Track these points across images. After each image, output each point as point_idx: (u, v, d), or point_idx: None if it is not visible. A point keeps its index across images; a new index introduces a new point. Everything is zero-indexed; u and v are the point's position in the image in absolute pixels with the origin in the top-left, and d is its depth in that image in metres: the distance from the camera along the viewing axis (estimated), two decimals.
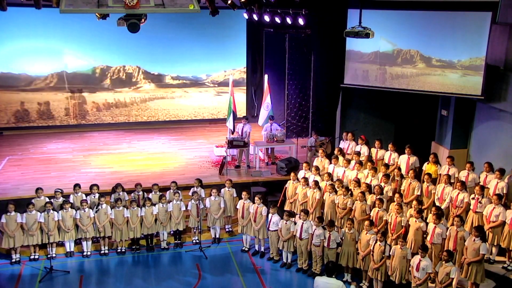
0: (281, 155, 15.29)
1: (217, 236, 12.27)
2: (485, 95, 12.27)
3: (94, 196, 11.63)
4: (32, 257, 11.37)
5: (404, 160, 12.23)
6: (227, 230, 12.57)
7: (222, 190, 12.21)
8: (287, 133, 16.02)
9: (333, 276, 7.91)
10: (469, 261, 9.30)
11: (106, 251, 11.67)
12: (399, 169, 12.09)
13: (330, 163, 12.69)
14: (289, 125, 16.51)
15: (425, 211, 11.02)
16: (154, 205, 11.59)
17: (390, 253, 9.62)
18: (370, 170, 11.81)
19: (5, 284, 10.55)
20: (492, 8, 11.69)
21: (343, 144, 13.63)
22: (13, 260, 11.24)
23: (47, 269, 10.83)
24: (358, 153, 12.66)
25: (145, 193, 12.02)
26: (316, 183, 11.62)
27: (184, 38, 18.09)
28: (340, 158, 12.66)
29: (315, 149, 14.05)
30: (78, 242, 11.60)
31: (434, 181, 11.52)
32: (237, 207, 11.78)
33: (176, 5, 8.96)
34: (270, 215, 11.20)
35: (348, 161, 12.43)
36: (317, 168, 12.29)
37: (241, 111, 18.16)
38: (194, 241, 12.15)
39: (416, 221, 10.11)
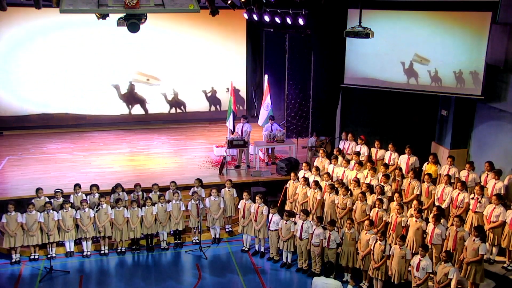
0: (281, 155, 15.30)
1: (217, 236, 12.27)
2: (485, 95, 12.27)
3: (94, 196, 11.64)
4: (32, 257, 11.37)
5: (404, 160, 12.24)
6: (227, 230, 12.57)
7: (222, 190, 12.22)
8: (287, 133, 16.02)
9: (332, 276, 7.90)
10: (468, 261, 9.31)
11: (106, 251, 11.67)
12: (400, 169, 12.09)
13: (330, 163, 12.70)
14: (289, 125, 16.51)
15: (425, 211, 11.02)
16: (154, 204, 11.60)
17: (390, 253, 9.62)
18: (369, 170, 11.81)
19: (5, 284, 10.55)
20: (492, 8, 11.70)
21: (343, 144, 13.64)
22: (13, 260, 11.24)
23: (47, 269, 10.84)
24: (358, 153, 12.66)
25: (144, 193, 12.02)
26: (317, 183, 11.63)
27: (184, 38, 18.10)
28: (340, 158, 12.67)
29: (315, 149, 14.06)
30: (78, 242, 11.61)
31: (434, 181, 11.53)
32: (238, 207, 11.79)
33: (176, 5, 8.96)
34: (270, 215, 11.20)
35: (348, 161, 12.43)
36: (317, 169, 12.29)
37: (241, 111, 18.19)
38: (194, 241, 12.15)
39: (416, 221, 10.11)
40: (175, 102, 18.67)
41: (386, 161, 12.55)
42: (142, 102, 18.41)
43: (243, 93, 19.05)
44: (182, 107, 18.77)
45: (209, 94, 18.93)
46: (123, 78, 18.02)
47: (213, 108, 19.07)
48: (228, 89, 18.62)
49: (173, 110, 18.74)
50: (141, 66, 18.04)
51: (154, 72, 18.22)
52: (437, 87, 12.98)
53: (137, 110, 18.45)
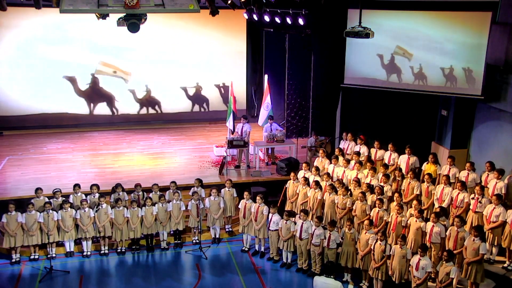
0: (281, 155, 15.30)
1: (217, 236, 12.27)
2: (485, 95, 12.27)
3: (94, 196, 11.64)
4: (32, 257, 11.37)
5: (404, 160, 12.23)
6: (227, 230, 12.57)
7: (222, 190, 12.22)
8: (287, 133, 16.02)
9: (332, 276, 7.89)
10: (468, 261, 9.31)
11: (106, 251, 11.67)
12: (400, 169, 12.08)
13: (330, 163, 12.70)
14: (289, 125, 16.50)
15: (425, 211, 11.02)
16: (154, 204, 11.60)
17: (390, 253, 9.62)
18: (369, 170, 11.81)
19: (5, 284, 10.55)
20: (492, 8, 11.70)
21: (343, 144, 13.64)
22: (13, 260, 11.24)
23: (47, 269, 10.84)
24: (358, 153, 12.66)
25: (145, 193, 12.02)
26: (317, 183, 11.63)
27: (184, 38, 18.09)
28: (340, 158, 12.68)
29: (315, 149, 14.06)
30: (78, 242, 11.60)
31: (434, 181, 11.52)
32: (239, 206, 11.80)
33: (176, 5, 8.98)
34: (270, 214, 11.21)
35: (348, 161, 12.43)
36: (317, 169, 12.29)
37: (240, 111, 18.17)
38: (194, 241, 12.15)
39: (416, 221, 10.11)
40: (146, 101, 18.50)
41: (386, 161, 12.55)
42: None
43: (243, 93, 19.01)
44: (156, 106, 18.60)
45: (192, 92, 18.75)
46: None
47: (196, 108, 18.88)
48: (217, 85, 18.69)
49: (176, 109, 18.74)
50: (139, 65, 18.00)
51: (152, 71, 18.22)
52: (437, 87, 12.98)
53: (136, 109, 18.48)
